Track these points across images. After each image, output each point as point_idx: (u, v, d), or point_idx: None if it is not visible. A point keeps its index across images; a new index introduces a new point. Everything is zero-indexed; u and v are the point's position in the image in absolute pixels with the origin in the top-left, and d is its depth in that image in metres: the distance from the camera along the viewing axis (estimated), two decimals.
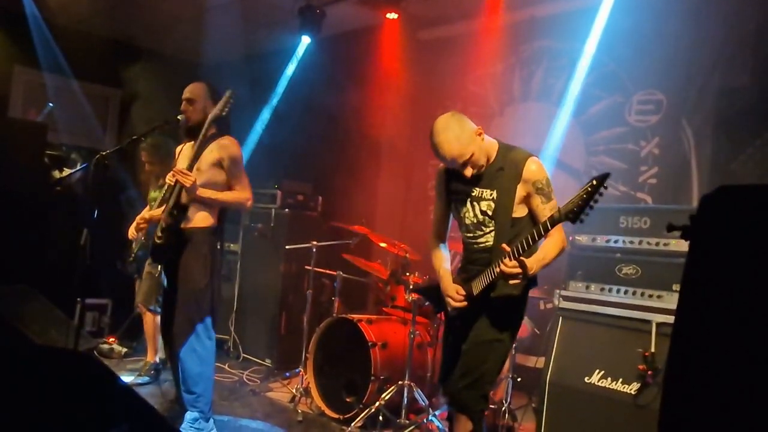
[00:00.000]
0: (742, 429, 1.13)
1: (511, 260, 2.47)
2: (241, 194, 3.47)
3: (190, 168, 3.36)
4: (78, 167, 5.26)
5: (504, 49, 5.51)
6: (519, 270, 2.45)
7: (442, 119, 2.63)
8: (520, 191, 2.62)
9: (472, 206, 2.73)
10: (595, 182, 2.26)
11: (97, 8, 6.24)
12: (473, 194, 2.72)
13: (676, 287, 3.27)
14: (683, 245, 3.27)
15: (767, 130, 3.92)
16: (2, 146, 4.89)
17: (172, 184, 3.36)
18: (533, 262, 2.49)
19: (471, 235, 2.77)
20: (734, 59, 4.20)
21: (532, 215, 2.67)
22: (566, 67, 5.05)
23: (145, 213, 4.75)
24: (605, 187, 2.26)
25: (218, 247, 3.56)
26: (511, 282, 2.51)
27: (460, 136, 2.57)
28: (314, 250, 4.60)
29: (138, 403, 1.88)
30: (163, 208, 3.49)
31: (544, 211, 2.58)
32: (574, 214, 2.29)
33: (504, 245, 2.52)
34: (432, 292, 2.95)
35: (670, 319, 3.17)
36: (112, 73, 7.04)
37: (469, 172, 2.62)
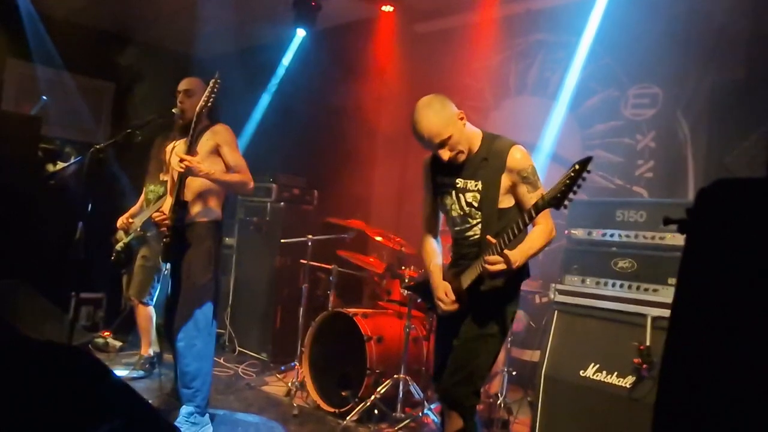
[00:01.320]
0: (737, 423, 1.12)
1: (493, 254, 2.43)
2: (243, 176, 3.45)
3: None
4: (72, 161, 5.23)
5: (500, 43, 5.50)
6: (503, 265, 2.41)
7: (425, 98, 2.61)
8: (505, 181, 2.58)
9: (458, 198, 2.68)
10: (577, 167, 2.21)
11: (91, 0, 6.18)
12: (458, 186, 2.66)
13: (672, 281, 3.27)
14: (679, 239, 3.30)
15: (762, 123, 3.92)
16: None
17: (182, 170, 3.29)
18: (517, 254, 2.43)
19: (458, 228, 2.73)
20: (729, 53, 4.20)
21: (519, 205, 2.62)
22: (562, 61, 5.04)
23: (134, 210, 4.74)
24: (588, 171, 2.21)
25: (221, 240, 3.57)
26: (495, 277, 2.47)
27: (439, 114, 2.53)
28: (310, 243, 4.59)
29: (132, 398, 1.87)
30: (154, 205, 3.49)
31: (531, 200, 2.51)
32: (558, 200, 2.24)
33: (489, 237, 2.48)
34: (425, 288, 2.91)
35: (666, 312, 3.18)
36: (105, 65, 6.99)
37: (446, 155, 2.56)
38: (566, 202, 2.25)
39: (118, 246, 4.70)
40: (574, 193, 2.23)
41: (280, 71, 6.62)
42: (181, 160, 3.22)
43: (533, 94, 5.37)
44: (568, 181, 2.22)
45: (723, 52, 4.22)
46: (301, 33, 6.25)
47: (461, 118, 2.59)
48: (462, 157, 2.61)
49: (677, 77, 4.43)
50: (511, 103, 5.52)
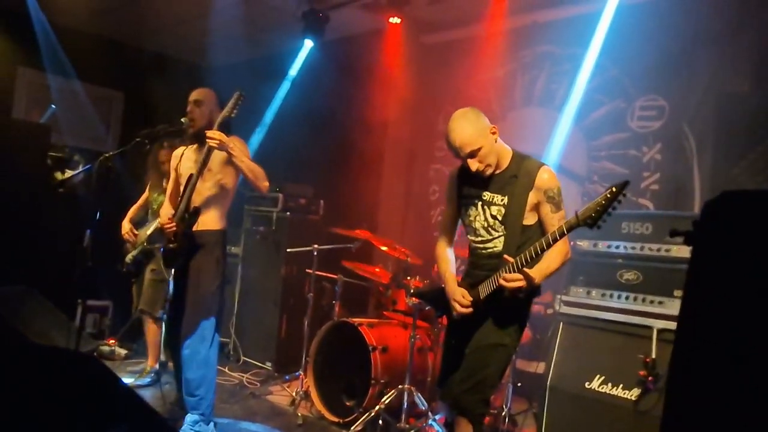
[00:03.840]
0: None
1: (511, 272, 2.48)
2: (262, 171, 3.44)
3: (200, 171, 3.38)
4: (81, 169, 5.26)
5: (506, 54, 5.53)
6: (522, 282, 2.47)
7: (461, 109, 2.68)
8: (532, 199, 2.64)
9: (483, 210, 2.73)
10: (614, 189, 2.27)
11: (101, 10, 6.25)
12: (484, 198, 2.72)
13: (678, 293, 3.27)
14: (685, 251, 3.30)
15: None
16: (5, 147, 4.91)
17: (213, 146, 3.29)
18: (536, 273, 2.51)
19: (479, 239, 2.77)
20: (735, 66, 4.21)
21: (540, 224, 2.67)
22: (568, 73, 5.06)
23: (132, 214, 4.74)
24: (624, 195, 2.27)
25: (227, 249, 3.59)
26: (512, 293, 2.51)
27: (473, 125, 2.61)
28: (315, 253, 4.60)
29: (139, 405, 1.88)
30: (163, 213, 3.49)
31: (553, 220, 2.60)
32: (593, 219, 2.29)
33: (506, 256, 2.54)
34: (434, 296, 2.95)
35: (671, 325, 3.18)
36: (115, 75, 7.06)
37: (474, 165, 2.61)
38: (600, 223, 2.29)
39: (127, 259, 4.71)
40: (609, 214, 2.28)
41: (288, 81, 6.66)
42: (210, 138, 3.26)
43: (539, 106, 5.39)
44: (604, 202, 2.27)
45: (729, 64, 4.23)
46: (309, 44, 6.29)
47: (493, 132, 2.65)
48: (489, 171, 2.67)
49: (684, 90, 4.43)
50: (518, 114, 5.54)
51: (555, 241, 2.42)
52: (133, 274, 4.76)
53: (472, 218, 2.78)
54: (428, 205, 5.82)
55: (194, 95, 3.57)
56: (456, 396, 2.68)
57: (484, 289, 2.66)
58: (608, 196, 2.27)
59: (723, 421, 1.16)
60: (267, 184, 3.47)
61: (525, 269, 2.47)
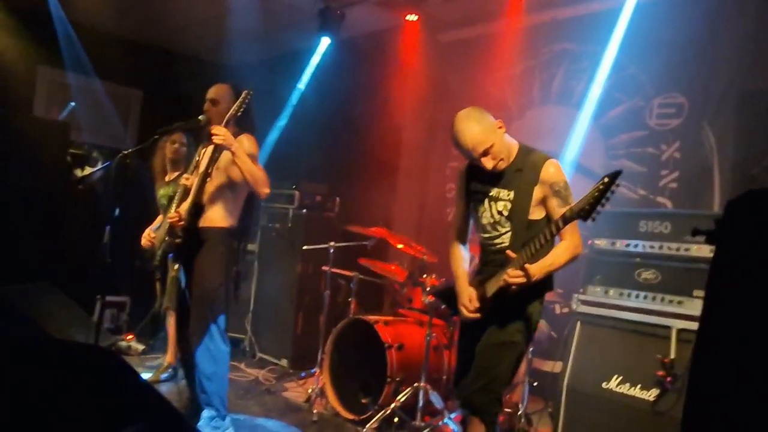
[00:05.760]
0: None
1: (516, 268, 2.47)
2: (265, 176, 3.41)
3: (208, 168, 3.38)
4: (99, 166, 5.32)
5: (524, 52, 5.49)
6: (523, 279, 2.46)
7: (463, 111, 2.65)
8: (537, 193, 2.61)
9: (490, 206, 2.72)
10: (606, 180, 2.24)
11: (121, 9, 6.31)
12: (491, 194, 2.71)
13: (697, 293, 3.23)
14: (704, 250, 3.27)
15: None
16: (26, 144, 4.98)
17: (218, 143, 3.27)
18: (536, 268, 2.48)
19: (488, 235, 2.76)
20: (756, 63, 4.15)
21: (549, 218, 2.65)
22: (587, 70, 5.02)
23: (156, 224, 4.75)
24: (617, 185, 2.24)
25: (236, 248, 3.55)
26: (513, 289, 2.50)
27: (481, 124, 2.58)
28: (331, 250, 4.61)
29: (158, 401, 1.90)
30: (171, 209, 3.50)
31: (560, 214, 2.56)
32: (586, 212, 2.27)
33: (509, 252, 2.52)
34: (448, 294, 2.93)
35: (690, 325, 3.14)
36: (134, 73, 7.13)
37: (489, 163, 2.60)
38: (594, 215, 2.27)
39: (156, 261, 4.73)
40: (602, 206, 2.25)
41: (305, 79, 6.67)
42: (215, 134, 3.22)
43: (557, 104, 5.35)
44: (596, 194, 2.24)
45: (751, 61, 4.17)
46: (325, 41, 6.29)
47: (500, 127, 2.64)
48: (503, 165, 2.66)
49: (703, 87, 4.38)
50: (535, 112, 5.51)
51: (552, 235, 2.42)
52: (159, 270, 4.76)
53: (480, 214, 2.77)
54: (444, 202, 5.81)
55: (210, 93, 3.56)
56: (468, 396, 2.67)
57: (492, 287, 2.64)
58: (600, 187, 2.24)
59: (744, 423, 1.14)
60: (267, 190, 3.40)
61: (526, 266, 2.45)
